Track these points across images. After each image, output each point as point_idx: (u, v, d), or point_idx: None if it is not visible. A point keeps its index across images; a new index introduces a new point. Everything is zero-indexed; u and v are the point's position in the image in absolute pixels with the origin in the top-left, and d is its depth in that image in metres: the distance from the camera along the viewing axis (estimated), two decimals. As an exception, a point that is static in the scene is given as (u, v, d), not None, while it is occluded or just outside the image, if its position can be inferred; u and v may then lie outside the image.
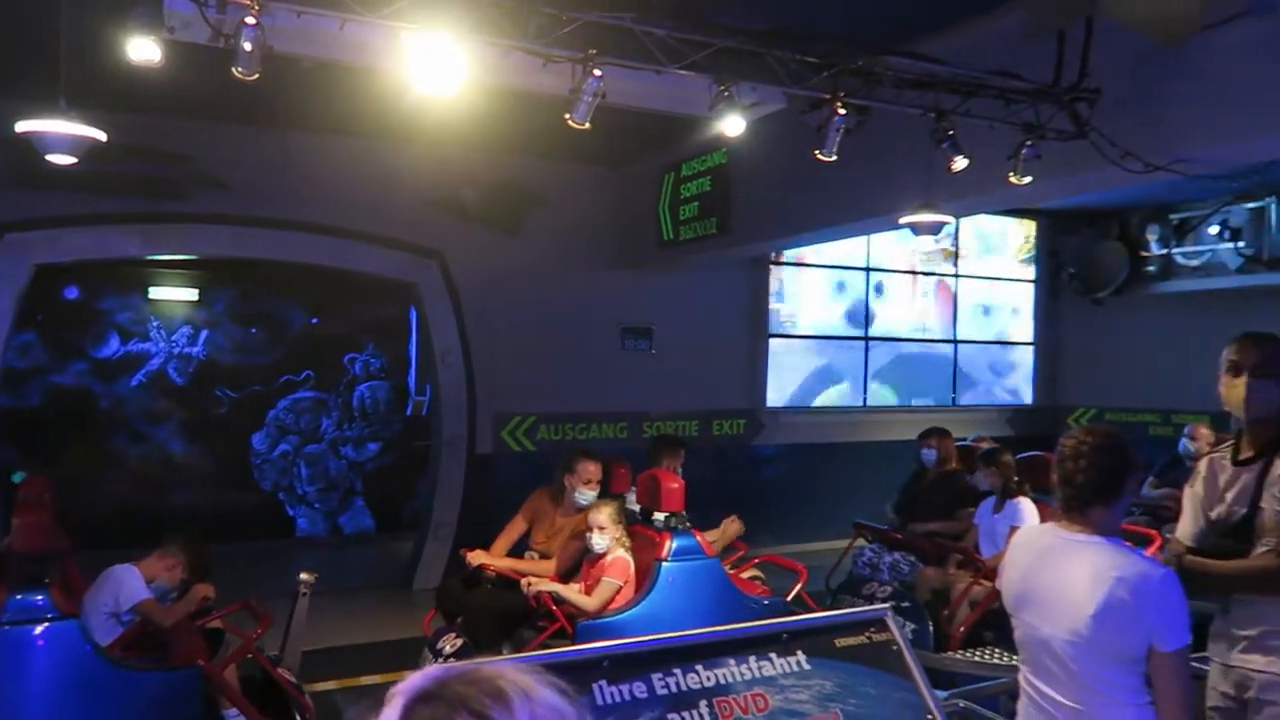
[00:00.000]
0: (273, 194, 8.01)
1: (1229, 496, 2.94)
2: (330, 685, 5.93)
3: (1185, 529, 3.06)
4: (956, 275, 12.09)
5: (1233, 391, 2.92)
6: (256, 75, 3.51)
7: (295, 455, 10.73)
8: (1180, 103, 4.42)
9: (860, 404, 11.53)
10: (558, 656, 2.69)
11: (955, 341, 12.16)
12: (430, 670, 1.06)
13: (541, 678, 1.06)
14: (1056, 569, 2.57)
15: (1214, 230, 10.46)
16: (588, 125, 3.86)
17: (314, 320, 10.82)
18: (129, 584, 4.47)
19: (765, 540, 10.32)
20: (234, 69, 3.50)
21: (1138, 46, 4.14)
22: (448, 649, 5.02)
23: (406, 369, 11.38)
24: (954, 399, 12.14)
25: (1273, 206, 9.99)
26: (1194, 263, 10.88)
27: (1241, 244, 10.23)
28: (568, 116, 3.84)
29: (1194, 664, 2.86)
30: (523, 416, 9.34)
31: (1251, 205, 10.11)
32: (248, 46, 3.45)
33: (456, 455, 9.04)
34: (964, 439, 7.83)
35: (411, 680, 1.04)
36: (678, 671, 2.68)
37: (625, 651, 2.67)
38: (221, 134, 7.79)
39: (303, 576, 5.06)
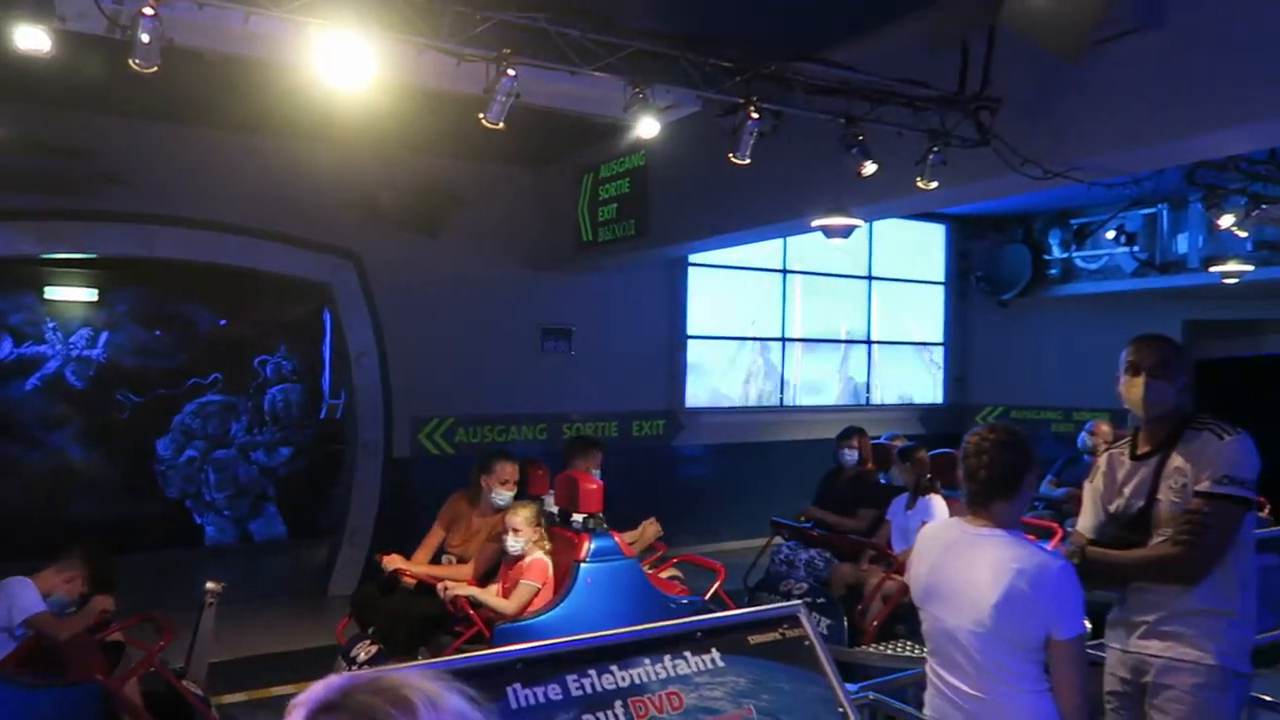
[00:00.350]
0: (178, 191, 7.74)
1: (1127, 490, 3.07)
2: (239, 697, 5.76)
3: (1086, 522, 3.19)
4: (870, 278, 12.37)
5: (1132, 390, 3.05)
6: (155, 68, 3.39)
7: (203, 461, 10.39)
8: (1076, 113, 4.61)
9: (778, 404, 11.71)
10: (471, 660, 2.66)
11: (869, 342, 12.44)
12: (333, 679, 1.03)
13: (448, 684, 1.05)
14: (960, 562, 2.65)
15: (1111, 235, 10.93)
16: (502, 125, 3.83)
17: (222, 322, 10.49)
18: (22, 597, 4.27)
19: (685, 540, 10.40)
20: (131, 61, 3.38)
21: (1037, 58, 4.29)
22: (362, 656, 4.93)
23: (321, 371, 11.13)
24: (868, 398, 12.41)
25: (1164, 213, 10.49)
26: (1093, 266, 11.36)
27: (1136, 248, 10.72)
28: (482, 116, 3.81)
29: (1091, 651, 2.98)
30: (441, 419, 9.23)
31: (1145, 211, 10.60)
32: (145, 38, 3.33)
33: (372, 459, 8.88)
34: (877, 437, 8.02)
35: (313, 690, 1.01)
36: (593, 672, 2.68)
37: (540, 654, 2.65)
38: (124, 128, 7.49)
39: (209, 586, 4.91)
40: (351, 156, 8.27)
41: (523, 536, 4.84)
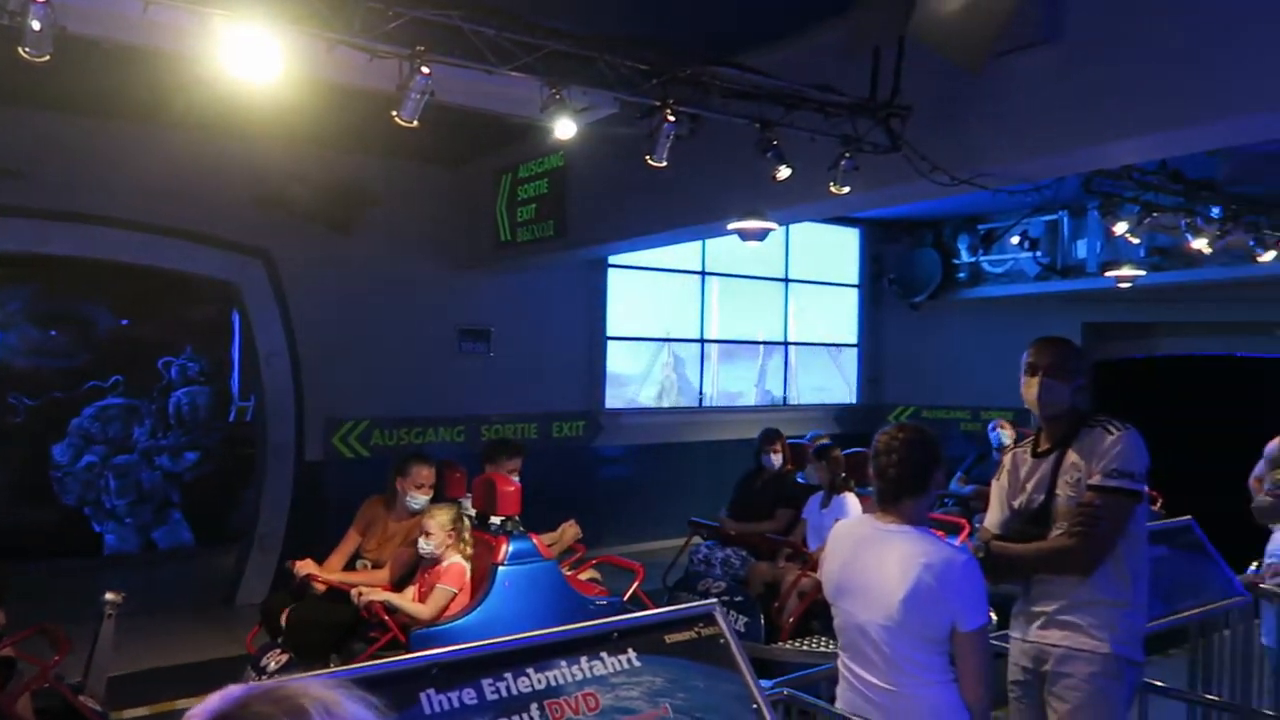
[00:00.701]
0: (75, 185, 7.41)
1: (1029, 486, 3.18)
2: (141, 711, 5.57)
3: (992, 518, 3.30)
4: (787, 280, 12.57)
5: (1029, 390, 3.17)
6: (47, 57, 3.24)
7: (103, 466, 9.97)
8: (981, 122, 4.76)
9: (696, 405, 11.80)
10: (384, 667, 2.61)
11: (786, 344, 12.64)
12: (231, 690, 1.01)
13: (350, 692, 1.03)
14: (870, 558, 2.72)
15: (1015, 240, 11.35)
16: (416, 123, 3.78)
17: (124, 322, 10.09)
18: (-100, 613, 4.04)
19: (606, 541, 10.41)
20: (21, 49, 3.23)
21: (945, 68, 4.42)
22: (272, 666, 4.80)
23: (229, 373, 10.79)
24: (785, 399, 12.61)
25: (1065, 219, 10.94)
26: (999, 270, 11.76)
27: (1039, 253, 11.14)
28: (396, 114, 3.75)
29: (995, 643, 3.09)
30: (355, 421, 9.04)
31: (1047, 218, 11.03)
32: (36, 25, 3.17)
33: (284, 463, 8.66)
34: (799, 437, 8.14)
35: (209, 701, 0.99)
36: (508, 676, 2.66)
37: (454, 658, 2.62)
38: (16, 119, 7.13)
39: (108, 597, 4.71)
40: (260, 151, 8.04)
41: (434, 540, 4.77)
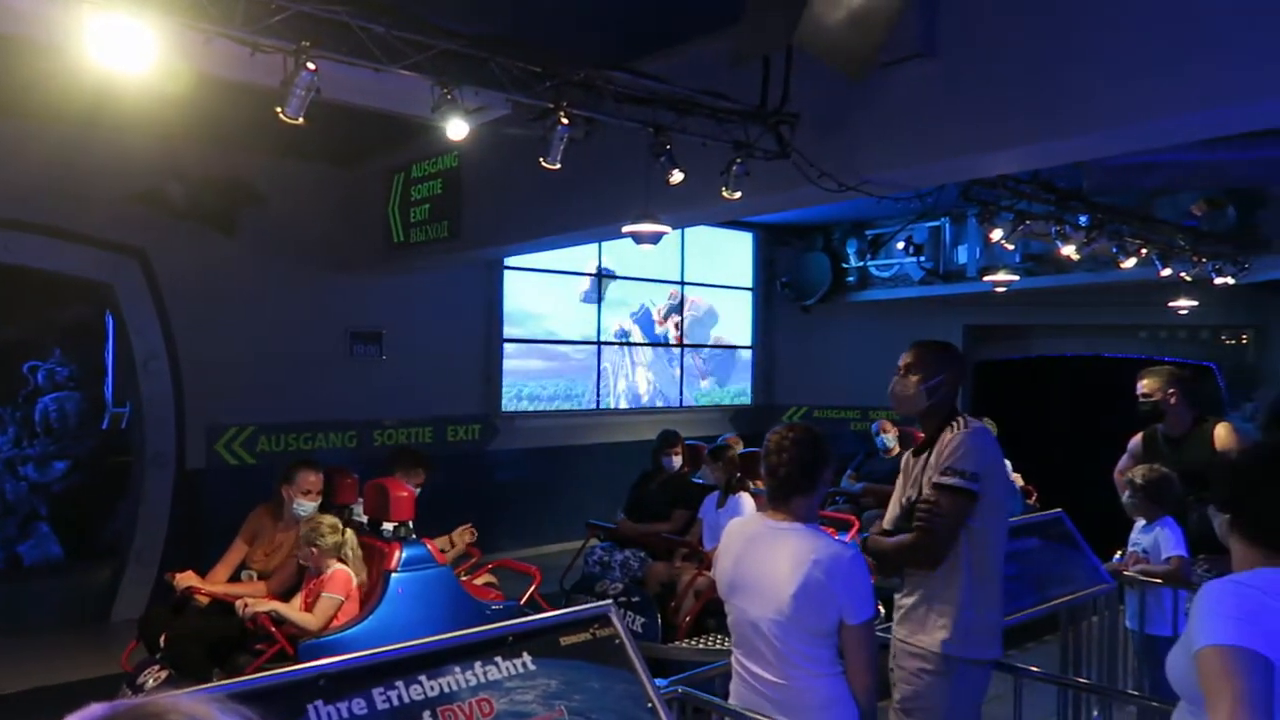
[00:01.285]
0: (-72, 179, 6.95)
1: (909, 484, 3.32)
2: (6, 737, 5.24)
3: (888, 515, 3.41)
4: (683, 283, 12.71)
5: (891, 388, 3.35)
6: (-105, 42, 3.03)
7: (-39, 478, 9.33)
8: (866, 130, 4.92)
9: (594, 406, 11.82)
10: (268, 680, 2.53)
11: (682, 346, 12.77)
12: (94, 708, 0.96)
13: (225, 706, 1.00)
14: (762, 555, 2.78)
15: (901, 245, 11.76)
16: (302, 120, 3.67)
17: (-17, 324, 9.46)
18: None
19: (504, 544, 10.32)
20: None
21: (831, 77, 4.55)
22: (150, 683, 4.59)
23: (102, 378, 10.23)
24: (681, 400, 12.74)
25: (947, 226, 11.39)
26: (886, 274, 12.17)
27: (923, 258, 11.58)
28: (279, 110, 3.64)
29: (881, 635, 3.20)
30: (240, 427, 8.73)
31: (930, 224, 11.47)
32: (-118, 8, 2.97)
33: (162, 472, 8.30)
34: (709, 439, 8.22)
35: (70, 721, 0.95)
36: (400, 684, 2.62)
37: (343, 668, 2.56)
38: None
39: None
40: (136, 146, 7.68)
41: (322, 547, 4.65)
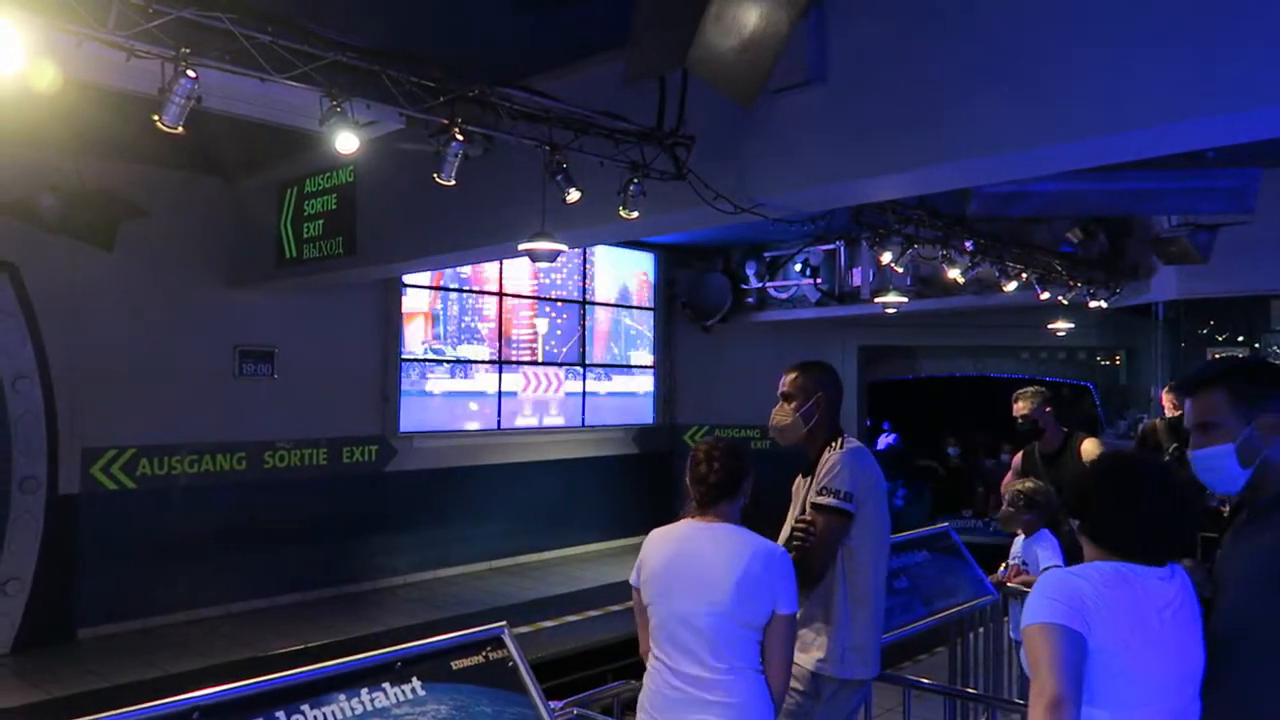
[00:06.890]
0: None
1: (797, 506, 3.39)
2: None
3: (782, 536, 3.43)
4: (586, 302, 12.72)
5: (772, 424, 3.44)
6: None
7: None
8: (758, 154, 5.02)
9: (496, 427, 11.68)
10: (140, 713, 2.40)
11: (584, 366, 12.76)
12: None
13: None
14: (696, 551, 2.84)
15: (798, 268, 12.03)
16: (181, 129, 3.54)
17: None
18: None
19: (402, 568, 10.09)
20: None
21: (726, 101, 4.63)
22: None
23: (-33, 399, 9.64)
24: (583, 420, 12.70)
25: (842, 249, 11.71)
26: (783, 296, 12.43)
27: (819, 280, 11.87)
28: (157, 118, 3.50)
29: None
30: (119, 450, 8.31)
31: (826, 247, 11.78)
32: None
33: (33, 498, 7.83)
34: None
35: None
36: (280, 714, 2.51)
37: (219, 699, 2.45)
38: None
39: None
40: (5, 156, 7.30)
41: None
